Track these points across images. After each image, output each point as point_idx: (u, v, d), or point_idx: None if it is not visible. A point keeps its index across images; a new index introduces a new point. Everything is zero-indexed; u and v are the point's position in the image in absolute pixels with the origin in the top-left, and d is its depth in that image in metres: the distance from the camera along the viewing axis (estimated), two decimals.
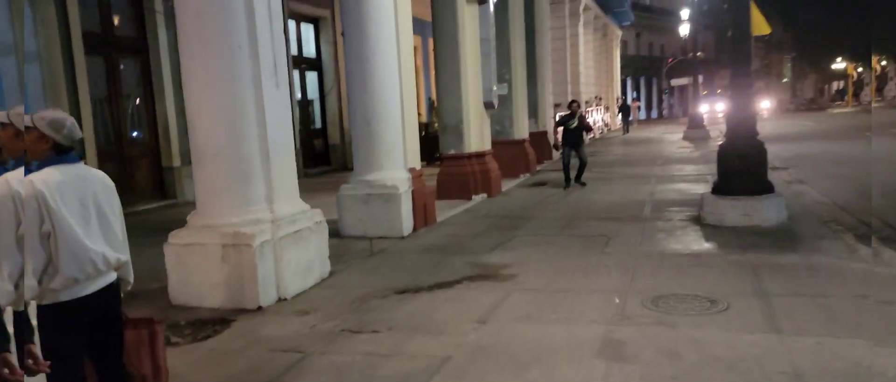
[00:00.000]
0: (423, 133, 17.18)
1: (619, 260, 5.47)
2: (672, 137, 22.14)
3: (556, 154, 15.91)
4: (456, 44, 9.61)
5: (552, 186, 10.92)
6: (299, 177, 13.71)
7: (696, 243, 5.98)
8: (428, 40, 20.83)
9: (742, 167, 6.45)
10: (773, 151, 15.17)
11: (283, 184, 4.86)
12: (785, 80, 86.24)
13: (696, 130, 19.80)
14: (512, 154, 12.37)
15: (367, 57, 7.10)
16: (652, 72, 55.74)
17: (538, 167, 13.58)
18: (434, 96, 21.16)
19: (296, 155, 13.90)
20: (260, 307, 4.47)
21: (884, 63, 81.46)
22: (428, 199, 7.73)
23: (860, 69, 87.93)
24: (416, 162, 7.78)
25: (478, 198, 9.83)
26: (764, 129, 22.39)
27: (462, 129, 9.82)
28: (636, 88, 53.90)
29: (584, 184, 10.48)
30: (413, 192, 7.36)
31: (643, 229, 6.75)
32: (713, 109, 30.23)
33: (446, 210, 8.84)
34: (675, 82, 28.80)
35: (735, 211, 6.40)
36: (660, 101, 57.26)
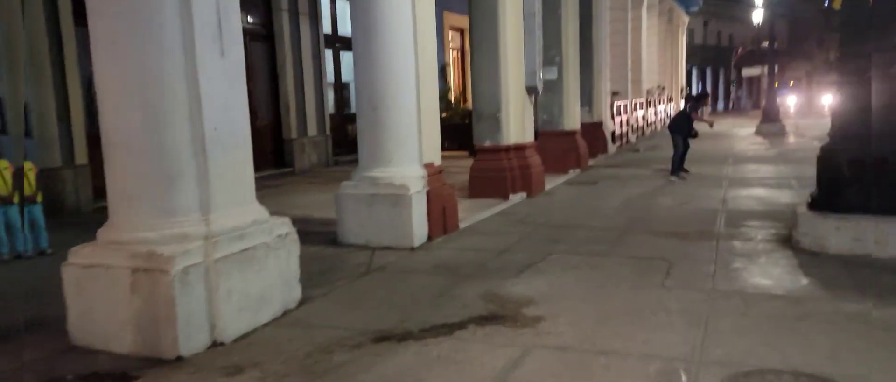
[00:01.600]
0: (467, 121, 15.93)
1: (686, 302, 4.02)
2: (742, 131, 20.05)
3: (613, 148, 14.36)
4: (494, 17, 8.21)
5: (605, 184, 9.42)
6: (327, 165, 12.75)
7: (791, 277, 4.45)
8: None
9: (854, 176, 4.86)
10: None
11: (229, 187, 3.63)
12: None
13: (771, 124, 17.75)
14: (560, 147, 10.90)
15: (373, 26, 5.82)
16: (719, 62, 52.49)
17: (591, 162, 12.05)
18: None
19: (324, 142, 12.66)
20: (180, 358, 3.26)
21: None
22: (448, 201, 6.41)
23: None
24: (436, 156, 6.46)
25: (516, 198, 8.45)
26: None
27: (499, 117, 8.44)
28: (702, 79, 50.82)
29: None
30: (429, 193, 6.06)
31: (716, 250, 5.25)
32: (785, 103, 27.75)
33: (476, 212, 7.52)
34: (746, 72, 26.49)
35: (842, 235, 4.83)
36: (727, 92, 53.98)
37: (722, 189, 8.50)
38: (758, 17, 29.90)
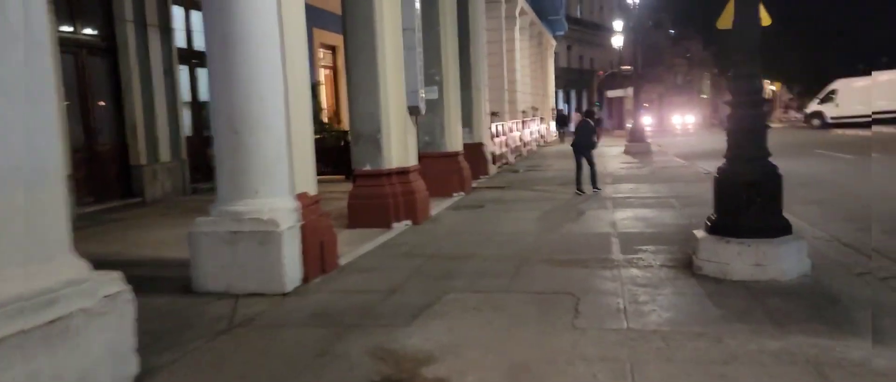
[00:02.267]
0: (343, 143, 15.13)
1: (603, 345, 3.56)
2: (611, 150, 20.81)
3: (493, 169, 14.17)
4: (371, 31, 7.58)
5: (492, 208, 9.03)
6: (184, 194, 11.39)
7: (704, 311, 4.15)
8: None
9: (752, 199, 4.71)
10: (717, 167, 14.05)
11: (26, 237, 2.68)
12: (704, 96, 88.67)
13: (638, 143, 18.51)
14: (443, 170, 10.43)
15: (232, 35, 4.98)
16: (582, 84, 55.44)
17: (473, 184, 11.70)
18: None
19: (179, 168, 11.24)
20: None
21: (773, 87, 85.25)
22: (326, 236, 5.64)
23: (773, 88, 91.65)
24: (311, 184, 5.67)
25: (400, 226, 7.81)
26: (702, 144, 21.39)
27: (380, 139, 7.79)
28: (567, 101, 53.27)
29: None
30: (304, 227, 5.27)
31: (620, 281, 4.90)
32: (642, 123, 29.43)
33: (357, 245, 6.78)
34: (611, 93, 27.79)
35: (744, 259, 4.64)
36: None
37: (609, 211, 8.37)
38: (618, 41, 31.71)
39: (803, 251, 4.72)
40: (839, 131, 25.63)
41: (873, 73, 29.07)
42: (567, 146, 23.78)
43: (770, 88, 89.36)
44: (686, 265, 5.20)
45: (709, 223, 4.99)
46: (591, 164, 10.54)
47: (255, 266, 5.00)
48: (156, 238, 7.47)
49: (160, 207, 10.32)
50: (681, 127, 46.40)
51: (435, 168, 10.11)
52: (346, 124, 18.05)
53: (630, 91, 24.47)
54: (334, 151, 14.87)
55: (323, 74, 17.48)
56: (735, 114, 4.82)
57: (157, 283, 5.35)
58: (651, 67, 64.98)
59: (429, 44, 9.56)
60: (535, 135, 22.76)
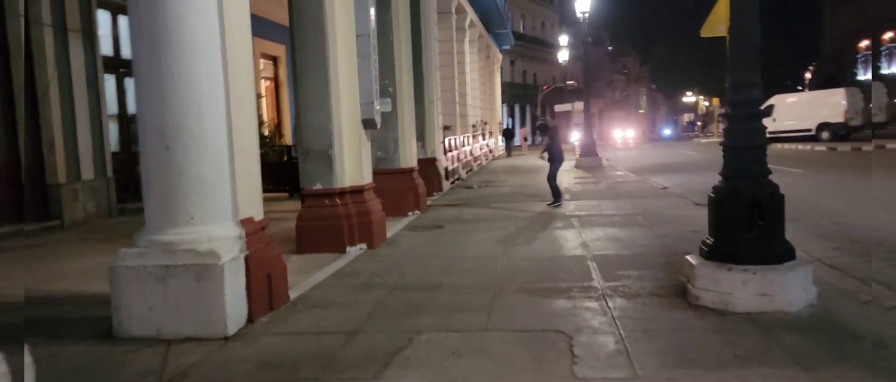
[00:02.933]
0: (286, 158, 14.29)
1: None
2: (563, 165, 20.62)
3: (447, 185, 13.61)
4: (323, 38, 6.92)
5: (452, 228, 8.43)
6: (110, 216, 10.33)
7: (714, 351, 3.64)
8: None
9: (754, 222, 4.28)
10: (677, 182, 13.92)
11: None
12: (641, 110, 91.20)
13: (589, 158, 18.33)
14: (398, 187, 9.79)
15: (164, 35, 4.25)
16: (526, 99, 55.87)
17: (428, 201, 11.08)
18: None
19: (105, 187, 10.27)
20: None
21: (706, 102, 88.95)
22: (274, 266, 4.91)
23: (707, 103, 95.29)
24: (256, 208, 4.94)
25: (355, 251, 7.12)
26: (648, 158, 21.47)
27: (332, 155, 7.10)
28: (512, 115, 53.50)
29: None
30: (249, 258, 4.54)
31: (610, 315, 4.37)
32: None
33: (308, 274, 6.07)
34: (559, 108, 27.80)
35: (749, 289, 4.20)
36: (534, 128, 57.44)
37: (576, 230, 7.91)
38: (563, 56, 31.90)
39: (809, 279, 4.31)
40: (778, 145, 26.32)
41: (774, 97, 30.13)
42: (515, 161, 23.57)
43: (704, 103, 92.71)
44: (678, 293, 4.74)
45: (705, 248, 4.53)
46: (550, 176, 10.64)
47: (190, 306, 4.24)
48: (74, 269, 6.54)
49: (81, 231, 9.26)
50: (621, 141, 47.20)
51: (389, 186, 9.45)
52: (288, 139, 17.19)
53: (577, 105, 24.46)
54: (277, 166, 14.01)
55: (264, 86, 16.59)
56: (734, 127, 4.40)
57: (72, 327, 4.52)
58: (592, 82, 66.40)
59: (382, 54, 8.93)
60: (485, 149, 22.37)
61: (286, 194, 13.67)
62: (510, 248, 6.94)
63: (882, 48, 65.77)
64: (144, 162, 4.42)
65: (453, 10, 16.65)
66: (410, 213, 9.96)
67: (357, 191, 7.40)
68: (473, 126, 20.11)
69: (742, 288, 4.20)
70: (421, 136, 12.05)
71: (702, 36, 5.92)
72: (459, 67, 17.56)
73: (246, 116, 4.81)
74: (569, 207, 10.14)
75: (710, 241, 4.53)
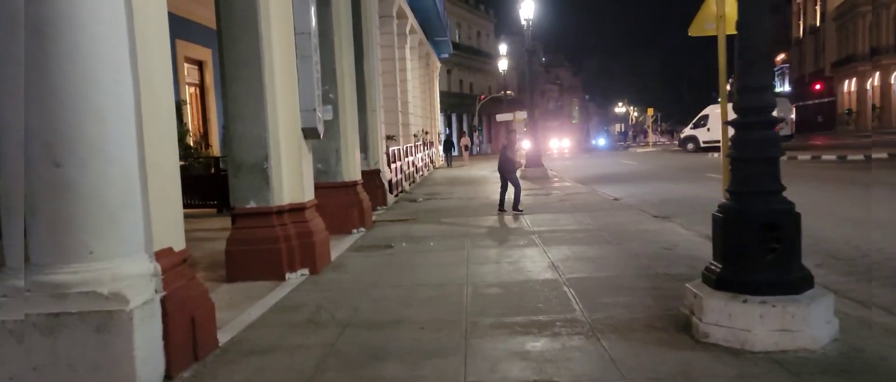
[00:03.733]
0: (214, 170, 13.16)
1: None
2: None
3: (391, 198, 12.81)
4: (256, 36, 6.05)
5: (404, 249, 7.64)
6: None
7: None
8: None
9: (769, 244, 3.72)
10: (626, 193, 13.61)
11: None
12: (575, 120, 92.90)
13: (536, 168, 17.89)
14: (341, 203, 8.93)
15: (53, 21, 3.33)
16: (463, 109, 55.58)
17: (373, 217, 10.24)
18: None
19: None
20: None
21: (636, 113, 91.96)
22: (199, 307, 4.01)
23: (636, 113, 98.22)
24: (176, 236, 4.03)
25: (296, 278, 6.24)
26: (589, 168, 21.23)
27: (267, 169, 6.22)
28: (448, 125, 53.06)
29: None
30: (167, 300, 3.64)
31: (610, 358, 3.70)
32: (521, 147, 29.37)
33: (242, 307, 5.18)
34: (500, 117, 27.44)
35: (768, 324, 3.62)
36: (470, 138, 57.22)
37: (539, 248, 7.27)
38: (503, 65, 31.65)
39: (831, 309, 3.79)
40: (714, 155, 26.69)
41: (708, 107, 30.89)
42: (457, 172, 22.94)
43: (634, 114, 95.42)
44: (678, 326, 4.13)
45: (712, 275, 3.94)
46: (515, 185, 10.77)
47: (88, 366, 3.33)
48: None
49: None
50: (558, 151, 47.47)
51: (331, 201, 8.58)
52: (216, 149, 15.95)
53: (519, 114, 24.12)
54: (203, 180, 12.86)
55: (188, 92, 15.33)
56: (745, 137, 3.83)
57: None
58: (527, 91, 67.01)
59: (322, 57, 8.10)
60: (426, 160, 21.67)
61: (214, 210, 12.52)
62: (473, 271, 6.23)
63: (775, 69, 69.51)
64: (27, 182, 3.45)
65: (394, 15, 15.90)
66: (355, 231, 9.11)
67: (297, 209, 6.52)
68: (415, 136, 19.38)
69: (760, 324, 3.62)
70: (364, 146, 11.22)
71: (690, 35, 5.43)
72: (401, 74, 16.80)
73: (163, 124, 3.90)
74: (525, 221, 9.53)
75: (716, 267, 3.94)
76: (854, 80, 48.69)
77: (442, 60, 37.24)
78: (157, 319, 3.59)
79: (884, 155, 19.29)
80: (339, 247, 7.79)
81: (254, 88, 6.14)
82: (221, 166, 13.13)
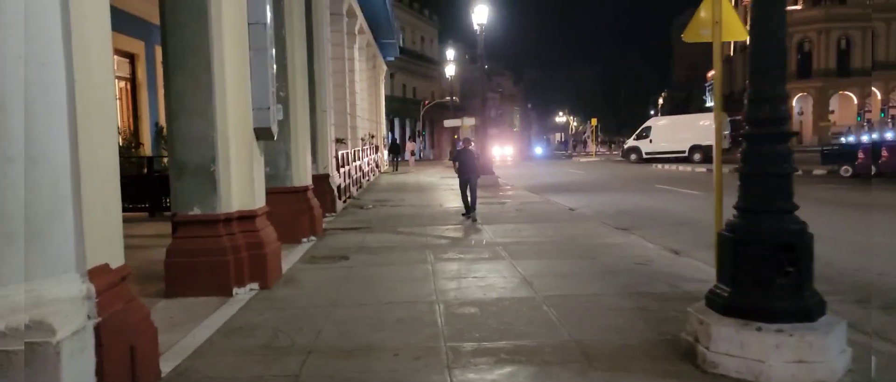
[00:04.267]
0: (146, 171, 12.23)
1: None
2: (453, 182, 19.80)
3: (340, 205, 12.22)
4: (205, 23, 5.44)
5: (362, 260, 7.09)
6: None
7: None
8: (154, 48, 15.68)
9: (782, 267, 3.44)
10: (581, 203, 13.44)
11: None
12: (515, 128, 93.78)
13: (487, 176, 17.54)
14: (290, 209, 8.30)
15: None
16: (405, 114, 55.04)
17: (323, 224, 9.64)
18: (163, 119, 16.05)
19: None
20: None
21: (575, 123, 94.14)
22: (141, 334, 3.42)
23: (576, 123, 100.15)
24: (114, 251, 3.42)
25: (244, 293, 5.63)
26: (537, 176, 21.09)
27: (215, 172, 5.60)
28: (391, 129, 52.40)
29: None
30: (102, 326, 3.04)
31: None
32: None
33: (184, 328, 4.58)
34: (448, 123, 27.04)
35: (784, 355, 3.34)
36: (415, 143, 56.61)
37: (507, 261, 6.90)
38: (451, 70, 31.29)
39: (844, 337, 3.54)
40: (658, 166, 27.19)
41: (651, 120, 31.65)
42: (405, 177, 22.38)
43: (573, 124, 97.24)
44: (679, 354, 3.81)
45: (719, 300, 3.63)
46: (473, 190, 10.64)
47: None
48: None
49: None
50: (501, 159, 47.61)
51: (280, 208, 7.91)
52: (147, 149, 14.92)
53: (467, 121, 23.85)
54: (134, 181, 11.91)
55: (118, 87, 14.27)
56: (756, 150, 3.55)
57: None
58: (469, 98, 67.01)
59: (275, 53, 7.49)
60: (372, 165, 21.06)
61: (146, 214, 11.61)
62: (441, 286, 5.77)
63: (706, 84, 72.45)
64: None
65: (345, 13, 15.28)
66: (305, 239, 8.50)
67: (247, 217, 5.91)
68: (362, 139, 18.75)
69: (776, 354, 3.33)
70: (313, 149, 10.59)
71: (684, 40, 5.19)
72: (350, 74, 16.18)
73: (102, 118, 3.30)
74: (486, 232, 9.15)
75: (723, 291, 3.64)
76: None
77: (387, 64, 36.67)
78: (89, 351, 2.99)
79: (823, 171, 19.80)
80: (289, 258, 7.19)
81: (201, 80, 5.52)
82: (154, 166, 12.23)
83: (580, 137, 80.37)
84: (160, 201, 11.67)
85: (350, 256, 7.45)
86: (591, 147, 50.09)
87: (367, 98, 21.76)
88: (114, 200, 3.44)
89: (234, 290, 5.61)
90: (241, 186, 5.85)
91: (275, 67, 6.35)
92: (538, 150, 70.43)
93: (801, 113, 48.12)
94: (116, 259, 3.40)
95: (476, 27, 17.93)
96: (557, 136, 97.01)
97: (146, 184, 11.85)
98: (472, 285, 5.83)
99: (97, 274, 3.15)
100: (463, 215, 10.66)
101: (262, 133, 6.08)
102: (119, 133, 13.39)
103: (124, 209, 10.94)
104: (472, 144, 12.02)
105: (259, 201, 6.15)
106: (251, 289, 5.75)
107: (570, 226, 9.52)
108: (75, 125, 3.02)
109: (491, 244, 8.00)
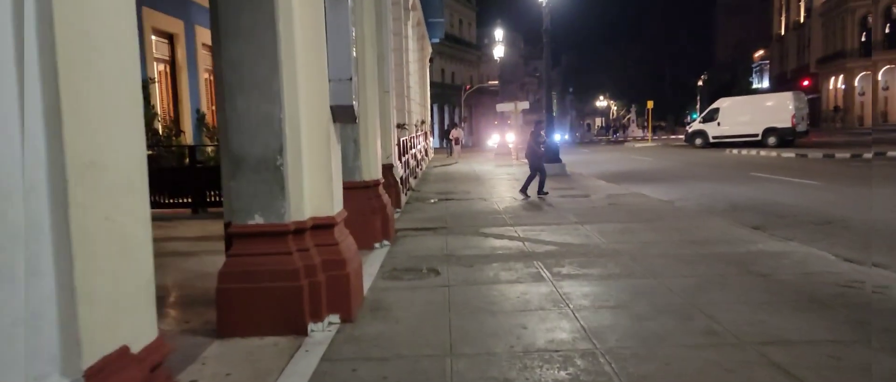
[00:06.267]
0: (188, 161, 10.97)
1: None
2: (507, 170, 18.25)
3: (403, 198, 10.76)
4: None
5: (455, 274, 5.56)
6: None
7: None
8: (194, 28, 14.40)
9: None
10: (676, 195, 11.66)
11: None
12: (554, 114, 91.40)
13: (553, 164, 15.93)
14: (361, 209, 6.84)
15: None
16: (444, 99, 53.41)
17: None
18: (204, 105, 14.74)
19: None
20: None
21: (615, 108, 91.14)
22: None
23: (615, 108, 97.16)
24: (145, 321, 1.95)
25: (322, 331, 4.18)
26: (600, 164, 19.22)
27: (283, 167, 4.15)
28: (432, 115, 50.83)
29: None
30: None
31: None
32: (505, 139, 27.58)
33: None
34: (501, 107, 25.43)
35: None
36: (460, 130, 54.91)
37: (650, 281, 5.31)
38: (499, 52, 29.64)
39: None
40: (731, 151, 24.96)
41: (719, 100, 29.37)
42: (454, 167, 20.88)
43: (613, 108, 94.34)
44: None
45: None
46: (542, 173, 11.43)
47: None
48: None
49: None
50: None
51: (350, 207, 6.45)
52: (189, 136, 13.69)
53: (521, 105, 22.18)
54: (175, 173, 10.64)
55: (157, 70, 13.03)
56: None
57: None
58: (508, 84, 65.05)
59: None
60: (423, 153, 19.60)
61: (188, 211, 10.32)
62: (590, 323, 4.21)
63: (754, 65, 68.79)
64: None
65: None
66: (377, 245, 7.05)
67: (324, 226, 4.46)
68: (416, 125, 17.28)
69: None
70: None
71: None
72: (405, 54, 14.68)
73: (115, 118, 1.81)
74: (593, 235, 7.54)
75: None
76: (841, 76, 47.77)
77: (436, 44, 35.02)
78: None
79: None
80: (367, 272, 5.72)
81: (264, 43, 4.07)
82: (198, 157, 10.95)
83: (621, 121, 77.65)
84: (204, 195, 10.38)
85: (439, 268, 5.95)
86: (647, 133, 47.67)
87: (418, 80, 20.25)
88: (145, 245, 1.97)
89: (310, 326, 4.16)
90: (315, 185, 4.40)
91: (355, 30, 4.85)
92: (557, 137, 68.21)
93: (886, 87, 44.64)
94: (146, 334, 1.94)
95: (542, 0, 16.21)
96: (598, 121, 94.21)
97: (188, 176, 10.56)
98: (627, 323, 4.25)
99: (108, 366, 1.69)
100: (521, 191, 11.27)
101: (341, 113, 4.59)
102: (158, 120, 12.17)
103: (165, 205, 9.50)
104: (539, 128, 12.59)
105: (337, 205, 4.69)
106: (330, 323, 4.30)
107: (690, 225, 7.85)
108: (61, 130, 1.55)
109: (613, 253, 6.39)
